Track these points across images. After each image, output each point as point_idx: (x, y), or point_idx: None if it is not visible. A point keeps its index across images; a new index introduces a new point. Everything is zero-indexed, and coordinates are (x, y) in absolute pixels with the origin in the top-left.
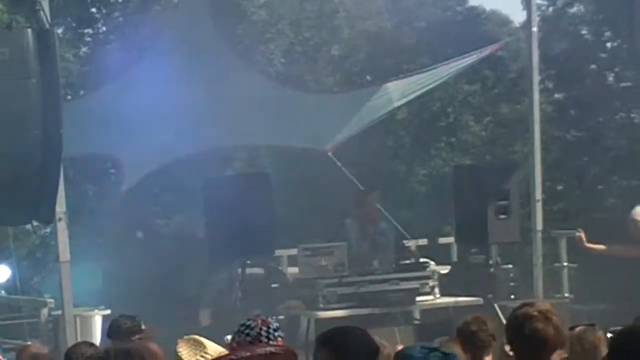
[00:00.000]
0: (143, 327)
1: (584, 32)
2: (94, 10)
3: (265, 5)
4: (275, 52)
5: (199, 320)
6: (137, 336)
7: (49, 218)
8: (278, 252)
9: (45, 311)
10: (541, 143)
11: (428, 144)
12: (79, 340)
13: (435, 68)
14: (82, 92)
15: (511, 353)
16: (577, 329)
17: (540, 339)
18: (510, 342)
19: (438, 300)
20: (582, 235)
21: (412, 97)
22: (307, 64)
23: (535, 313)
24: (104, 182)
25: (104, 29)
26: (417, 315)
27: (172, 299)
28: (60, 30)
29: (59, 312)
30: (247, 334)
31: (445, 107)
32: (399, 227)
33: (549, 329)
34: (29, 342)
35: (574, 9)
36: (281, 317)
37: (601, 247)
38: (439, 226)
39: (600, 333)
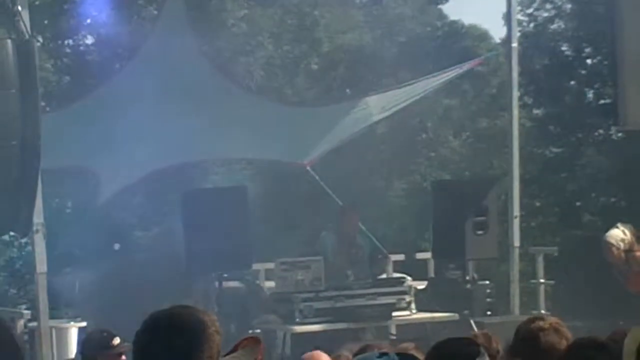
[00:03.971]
0: (116, 341)
1: (564, 48)
2: (73, 21)
3: (246, 18)
4: (254, 65)
5: None
6: (107, 351)
7: (27, 229)
8: (255, 266)
9: (21, 323)
10: (520, 159)
11: (407, 159)
12: (55, 352)
13: (415, 83)
14: (61, 103)
15: None
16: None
17: (555, 351)
18: (522, 355)
19: (414, 316)
20: None
21: (391, 111)
22: (287, 77)
23: (547, 326)
24: (81, 194)
25: (83, 40)
26: (393, 330)
27: (148, 311)
28: (39, 41)
29: (35, 323)
30: None
31: (424, 122)
32: (375, 241)
33: (562, 341)
34: None
35: (555, 25)
36: (257, 330)
37: None
38: (417, 241)
39: None
